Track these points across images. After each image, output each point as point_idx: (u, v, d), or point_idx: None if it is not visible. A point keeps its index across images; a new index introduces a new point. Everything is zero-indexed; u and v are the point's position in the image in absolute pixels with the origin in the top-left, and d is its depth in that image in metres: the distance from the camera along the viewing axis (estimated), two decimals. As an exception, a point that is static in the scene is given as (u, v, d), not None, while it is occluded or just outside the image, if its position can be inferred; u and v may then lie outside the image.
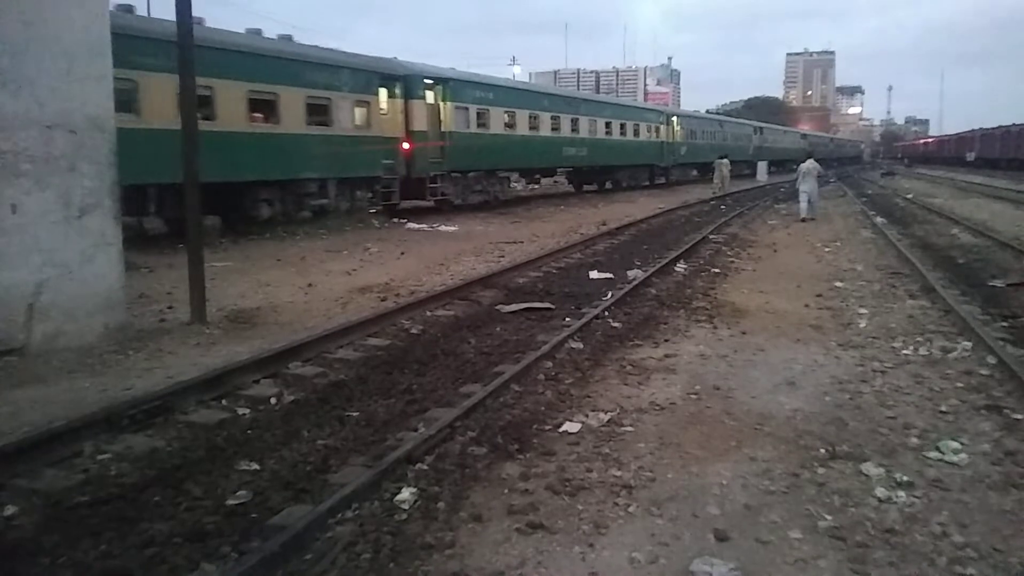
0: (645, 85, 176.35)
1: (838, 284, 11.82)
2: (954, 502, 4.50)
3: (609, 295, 10.53)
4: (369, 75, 21.18)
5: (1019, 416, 5.90)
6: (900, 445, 5.36)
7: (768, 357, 7.65)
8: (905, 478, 4.78)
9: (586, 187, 37.89)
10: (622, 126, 37.93)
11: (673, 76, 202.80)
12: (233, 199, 17.52)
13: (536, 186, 37.35)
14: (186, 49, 8.90)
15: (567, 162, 33.32)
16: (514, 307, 9.87)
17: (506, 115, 27.64)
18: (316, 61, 19.61)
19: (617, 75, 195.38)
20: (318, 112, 19.39)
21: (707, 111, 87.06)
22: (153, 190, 15.26)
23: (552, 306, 10.00)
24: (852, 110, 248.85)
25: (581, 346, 7.90)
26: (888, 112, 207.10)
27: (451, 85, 24.28)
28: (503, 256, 14.74)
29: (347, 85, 20.26)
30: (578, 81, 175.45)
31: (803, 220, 22.59)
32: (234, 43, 17.65)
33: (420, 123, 22.62)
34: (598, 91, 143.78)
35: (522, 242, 17.01)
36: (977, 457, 5.15)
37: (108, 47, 7.93)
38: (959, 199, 32.65)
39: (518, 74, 63.29)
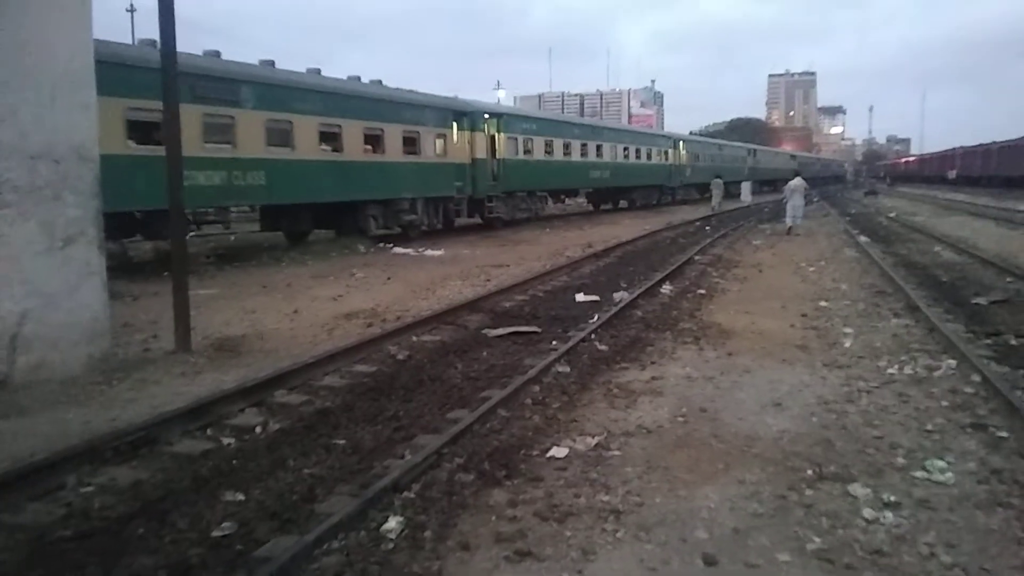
0: (629, 107, 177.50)
1: (823, 303, 11.88)
2: (942, 522, 4.51)
3: (596, 317, 10.55)
4: (445, 112, 25.23)
5: (1004, 434, 5.93)
6: (887, 465, 5.37)
7: (754, 378, 7.67)
8: (892, 498, 4.78)
9: (603, 206, 41.73)
10: (638, 151, 41.91)
11: (656, 98, 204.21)
12: (349, 215, 21.33)
13: (563, 204, 39.52)
14: (169, 78, 8.91)
15: (592, 183, 37.36)
16: (501, 331, 9.87)
17: (545, 143, 31.60)
18: (410, 102, 23.73)
19: (601, 98, 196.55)
20: (410, 143, 23.28)
21: (691, 132, 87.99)
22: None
23: (539, 329, 10.00)
24: (834, 130, 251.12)
25: (568, 369, 7.90)
26: (870, 131, 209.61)
27: (504, 119, 28.52)
28: (489, 280, 14.75)
29: (431, 121, 24.29)
30: (563, 104, 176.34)
31: (789, 232, 24.74)
32: (355, 90, 21.94)
33: (481, 151, 26.61)
34: (582, 114, 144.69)
35: (508, 265, 17.02)
36: (964, 476, 5.17)
37: (92, 77, 7.92)
38: (941, 217, 32.97)
39: (503, 98, 63.60)
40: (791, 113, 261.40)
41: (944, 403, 6.81)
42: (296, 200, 19.36)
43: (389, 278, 15.10)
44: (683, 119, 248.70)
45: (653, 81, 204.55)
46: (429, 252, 19.91)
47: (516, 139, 29.15)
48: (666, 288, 13.37)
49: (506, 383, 7.25)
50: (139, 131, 15.00)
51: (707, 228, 28.16)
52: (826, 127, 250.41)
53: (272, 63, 20.03)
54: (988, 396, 6.91)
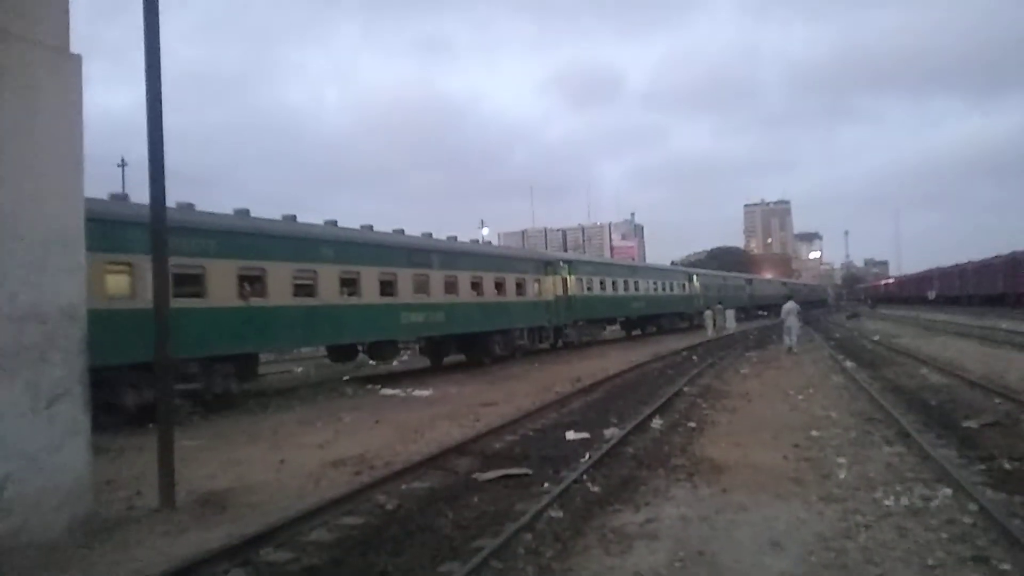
0: (611, 240, 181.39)
1: (814, 433, 11.83)
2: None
3: (587, 456, 10.44)
4: (538, 263, 33.19)
5: (1007, 566, 5.83)
6: (891, 606, 5.24)
7: (750, 516, 7.55)
8: (899, 643, 4.65)
9: (636, 331, 48.04)
10: (664, 284, 49.87)
11: (637, 230, 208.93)
12: (477, 344, 27.63)
13: (605, 332, 44.30)
14: (159, 233, 9.12)
15: (632, 312, 44.29)
16: (491, 474, 9.73)
17: (600, 281, 38.89)
18: (518, 257, 33.46)
19: (583, 232, 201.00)
20: (520, 287, 30.54)
21: (672, 262, 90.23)
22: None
23: (530, 471, 9.87)
24: (812, 255, 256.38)
25: (561, 514, 7.76)
26: (847, 255, 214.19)
27: (574, 264, 36.86)
28: (478, 420, 14.64)
29: (530, 269, 31.85)
30: (545, 239, 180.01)
31: (789, 351, 27.79)
32: (487, 252, 30.83)
33: (559, 290, 33.61)
34: (565, 248, 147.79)
35: (497, 403, 16.93)
36: (969, 615, 5.04)
37: (82, 239, 8.09)
38: (925, 338, 33.28)
39: (487, 235, 65.46)
40: (769, 240, 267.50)
41: (943, 535, 6.72)
42: (455, 332, 26.19)
43: (377, 421, 14.96)
44: (664, 249, 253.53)
45: (633, 214, 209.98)
46: (417, 392, 19.81)
47: (581, 279, 36.45)
48: (656, 422, 13.30)
49: (498, 531, 7.10)
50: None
51: (694, 358, 28.24)
52: (804, 253, 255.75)
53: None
54: (987, 526, 6.83)
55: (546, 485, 9.03)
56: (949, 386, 16.99)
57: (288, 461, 11.31)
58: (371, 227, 24.31)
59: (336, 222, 22.64)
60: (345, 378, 21.38)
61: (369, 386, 21.28)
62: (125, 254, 14.84)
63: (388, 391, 20.22)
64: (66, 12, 8.26)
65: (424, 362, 28.76)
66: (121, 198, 16.40)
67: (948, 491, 8.02)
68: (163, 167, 9.13)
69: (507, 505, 8.26)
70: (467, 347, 27.82)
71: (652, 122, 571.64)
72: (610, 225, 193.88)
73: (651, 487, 8.86)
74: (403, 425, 14.23)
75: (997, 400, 14.36)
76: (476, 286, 27.31)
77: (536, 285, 31.66)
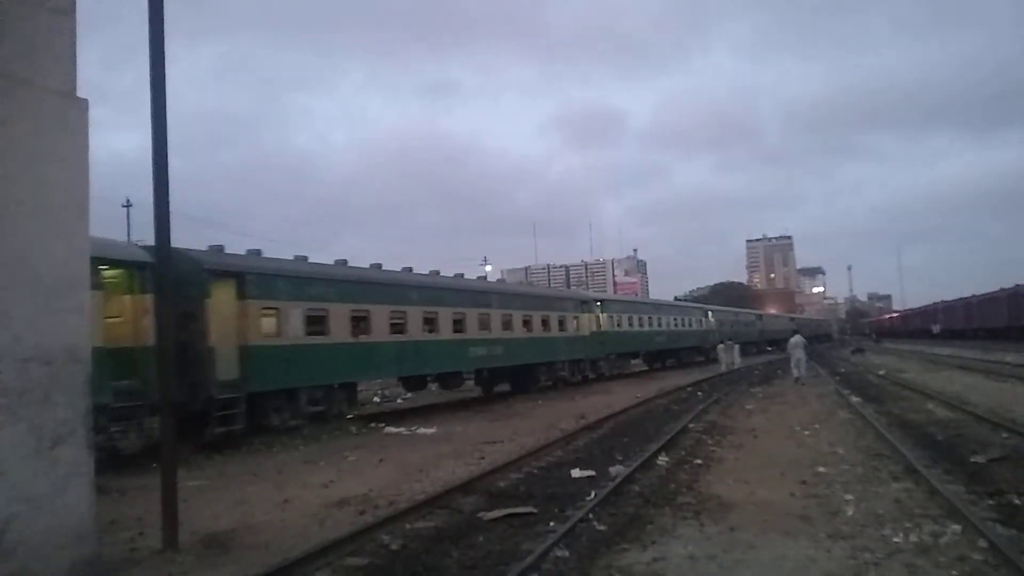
0: (614, 276, 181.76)
1: (821, 469, 11.75)
2: None
3: (592, 495, 10.37)
4: (576, 301, 37.46)
5: (1019, 605, 5.75)
6: (902, 646, 5.17)
7: (758, 554, 7.48)
8: None
9: (657, 364, 51.50)
10: (684, 320, 53.90)
11: (640, 266, 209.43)
12: (527, 375, 31.37)
13: (632, 362, 48.43)
14: (163, 271, 9.19)
15: (656, 346, 48.49)
16: (496, 513, 9.66)
17: (627, 318, 43.07)
18: (561, 297, 39.41)
19: (586, 268, 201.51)
20: (562, 323, 34.14)
21: (675, 298, 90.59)
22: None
23: (535, 510, 9.80)
24: (815, 289, 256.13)
25: (567, 554, 7.69)
26: (850, 289, 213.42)
27: (606, 303, 41.27)
28: (483, 458, 14.56)
29: (570, 308, 35.69)
30: (548, 276, 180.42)
31: (796, 382, 29.77)
32: (539, 293, 38.23)
33: (594, 326, 37.68)
34: (568, 285, 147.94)
35: (502, 441, 16.85)
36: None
37: (87, 280, 8.14)
38: (931, 372, 33.16)
39: (490, 272, 65.81)
40: (772, 275, 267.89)
41: (954, 573, 6.66)
42: (511, 364, 29.79)
43: (381, 460, 14.89)
44: (667, 285, 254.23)
45: (635, 250, 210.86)
46: (422, 430, 19.74)
47: (612, 316, 40.42)
48: (662, 459, 13.22)
49: (504, 571, 7.05)
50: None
51: (699, 394, 28.13)
52: (807, 287, 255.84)
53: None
54: (997, 563, 6.76)
55: (552, 524, 8.96)
56: (956, 421, 16.89)
57: (292, 500, 11.25)
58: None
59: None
60: (349, 416, 21.31)
61: (373, 424, 21.19)
62: (273, 300, 18.59)
63: (392, 429, 20.14)
64: (73, 57, 8.37)
65: (428, 399, 29.83)
66: (255, 253, 19.92)
67: (957, 527, 7.95)
68: (168, 206, 9.20)
69: (513, 544, 8.20)
70: (518, 377, 31.43)
71: (653, 160, 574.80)
72: (613, 261, 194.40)
73: (658, 525, 8.79)
74: (407, 464, 14.16)
75: (1004, 434, 14.27)
76: (527, 323, 31.02)
77: (575, 322, 35.56)
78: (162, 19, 8.94)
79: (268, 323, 18.23)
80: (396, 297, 23.14)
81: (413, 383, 27.71)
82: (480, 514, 9.75)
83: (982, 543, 7.31)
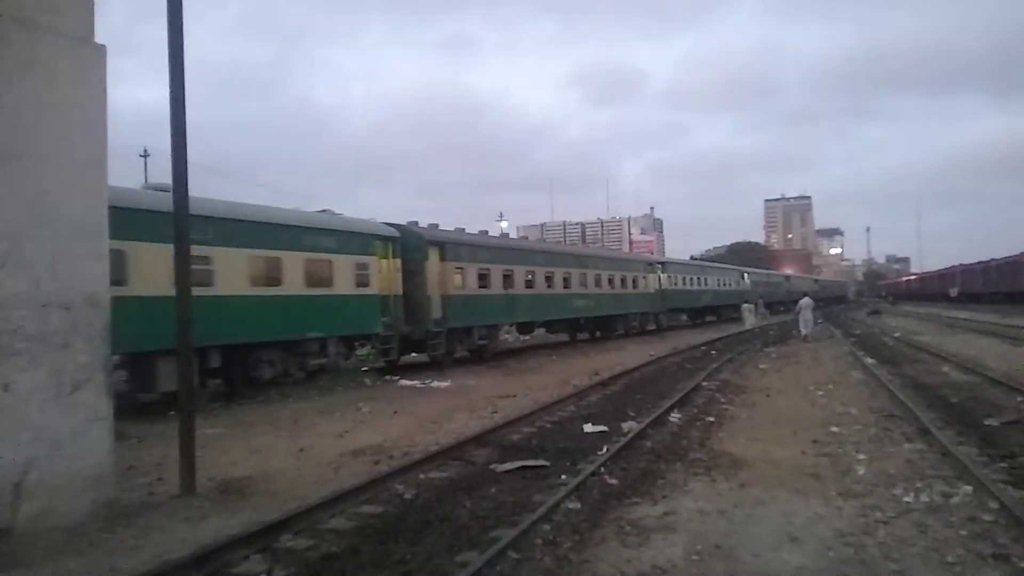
0: (630, 234, 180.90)
1: (833, 429, 11.76)
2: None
3: (604, 449, 10.45)
4: (643, 263, 43.33)
5: (1028, 565, 5.77)
6: (909, 602, 5.21)
7: (768, 511, 7.53)
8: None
9: (698, 320, 56.35)
10: (724, 280, 60.22)
11: (656, 225, 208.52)
12: (608, 324, 37.59)
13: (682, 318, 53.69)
14: (181, 220, 9.20)
15: (702, 303, 53.50)
16: (509, 466, 9.76)
17: (682, 279, 48.82)
18: (634, 259, 45.81)
19: (602, 225, 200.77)
20: (635, 282, 40.61)
21: (692, 257, 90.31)
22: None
23: (547, 463, 9.88)
24: (833, 251, 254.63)
25: (579, 506, 7.77)
26: (868, 251, 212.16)
27: (666, 265, 47.48)
28: (496, 411, 14.67)
29: (639, 269, 41.93)
30: (564, 233, 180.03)
31: (805, 339, 32.10)
32: (615, 256, 45.77)
33: (657, 285, 43.72)
34: (584, 241, 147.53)
35: (515, 396, 16.95)
36: (989, 612, 5.01)
37: (106, 226, 8.18)
38: (946, 335, 32.96)
39: (505, 228, 65.73)
40: (789, 236, 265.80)
41: (963, 532, 6.67)
42: (600, 315, 36.09)
43: (396, 412, 15.03)
44: (683, 244, 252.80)
45: (652, 208, 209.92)
46: (436, 384, 19.87)
47: (671, 276, 46.26)
48: (675, 416, 13.27)
49: (516, 521, 7.13)
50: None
51: (712, 352, 28.15)
52: (824, 249, 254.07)
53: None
54: (1008, 524, 6.77)
55: (564, 477, 9.04)
56: (970, 383, 16.82)
57: (307, 449, 11.40)
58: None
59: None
60: (364, 368, 21.50)
61: (387, 377, 21.35)
62: (460, 262, 25.21)
63: (406, 382, 20.28)
64: (91, 3, 8.32)
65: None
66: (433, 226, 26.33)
67: (968, 488, 7.96)
68: (186, 158, 9.21)
69: (525, 496, 8.28)
70: (600, 327, 37.55)
71: (673, 119, 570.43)
72: (629, 219, 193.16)
73: (669, 480, 8.85)
74: (421, 416, 14.29)
75: (1020, 398, 14.20)
76: (610, 281, 37.24)
77: (644, 280, 41.76)
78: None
79: (458, 278, 24.90)
80: (528, 260, 30.35)
81: (525, 327, 33.38)
82: (493, 466, 9.85)
83: (993, 504, 7.32)
